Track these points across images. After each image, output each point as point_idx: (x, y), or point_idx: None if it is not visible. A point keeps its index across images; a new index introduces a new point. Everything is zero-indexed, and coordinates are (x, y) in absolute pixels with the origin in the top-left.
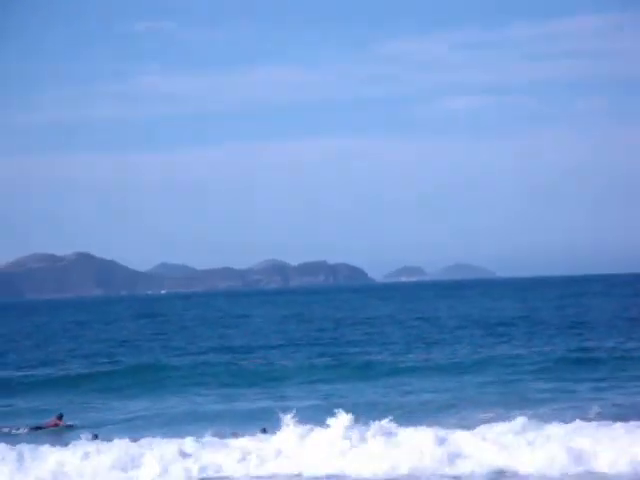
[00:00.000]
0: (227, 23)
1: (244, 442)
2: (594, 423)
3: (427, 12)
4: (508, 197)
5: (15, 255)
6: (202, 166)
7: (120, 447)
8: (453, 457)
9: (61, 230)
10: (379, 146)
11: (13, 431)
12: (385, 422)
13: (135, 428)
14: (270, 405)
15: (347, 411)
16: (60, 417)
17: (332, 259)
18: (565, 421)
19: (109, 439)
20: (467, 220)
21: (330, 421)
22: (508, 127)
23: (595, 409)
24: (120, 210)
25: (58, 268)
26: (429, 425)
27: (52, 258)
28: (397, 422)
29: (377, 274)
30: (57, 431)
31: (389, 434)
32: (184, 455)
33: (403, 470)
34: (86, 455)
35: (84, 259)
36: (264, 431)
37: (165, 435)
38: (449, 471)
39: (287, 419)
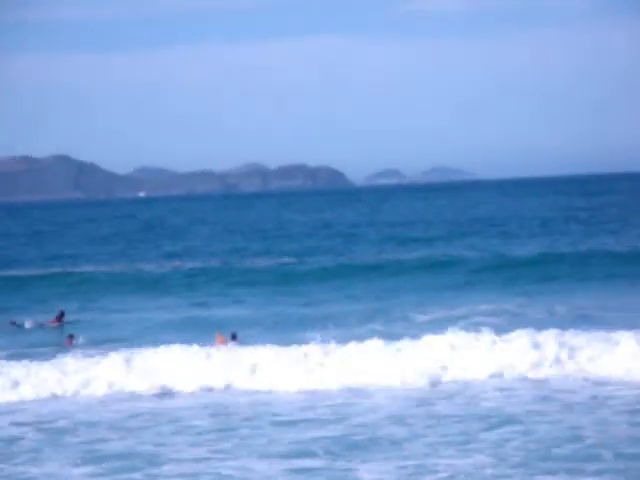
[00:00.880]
0: None
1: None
2: None
3: None
4: (488, 99)
5: None
6: (180, 67)
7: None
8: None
9: (38, 132)
10: (359, 48)
11: (18, 323)
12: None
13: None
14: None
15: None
16: (62, 315)
17: (312, 162)
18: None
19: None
20: (446, 122)
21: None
22: (482, 25)
23: None
24: (99, 112)
25: (35, 170)
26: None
27: (29, 160)
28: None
29: (357, 177)
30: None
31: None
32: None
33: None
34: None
35: (62, 161)
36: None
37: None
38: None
39: None
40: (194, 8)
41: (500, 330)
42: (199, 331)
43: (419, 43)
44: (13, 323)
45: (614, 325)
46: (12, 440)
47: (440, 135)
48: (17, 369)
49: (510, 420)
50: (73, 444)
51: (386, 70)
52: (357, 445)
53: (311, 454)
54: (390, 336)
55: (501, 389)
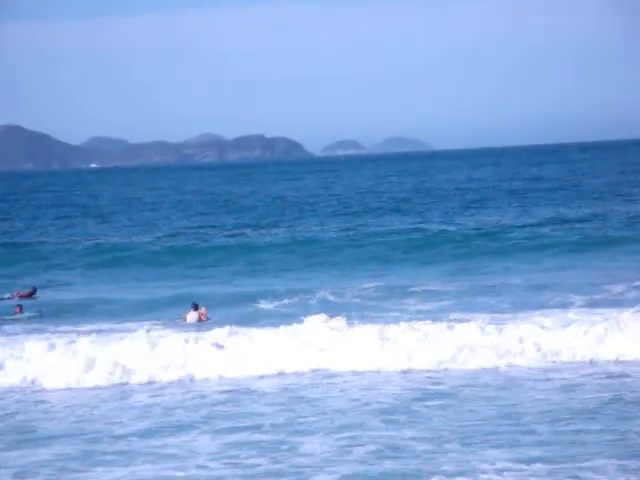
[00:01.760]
0: None
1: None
2: None
3: None
4: (448, 69)
5: None
6: (134, 35)
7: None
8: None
9: None
10: (319, 15)
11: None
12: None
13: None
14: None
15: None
16: (34, 291)
17: (269, 133)
18: None
19: None
20: (403, 92)
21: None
22: None
23: None
24: (51, 82)
25: None
26: None
27: None
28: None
29: (314, 148)
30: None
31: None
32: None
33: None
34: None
35: (14, 131)
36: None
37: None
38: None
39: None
40: None
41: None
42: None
43: (380, 9)
44: None
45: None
46: None
47: (398, 105)
48: None
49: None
50: None
51: (345, 38)
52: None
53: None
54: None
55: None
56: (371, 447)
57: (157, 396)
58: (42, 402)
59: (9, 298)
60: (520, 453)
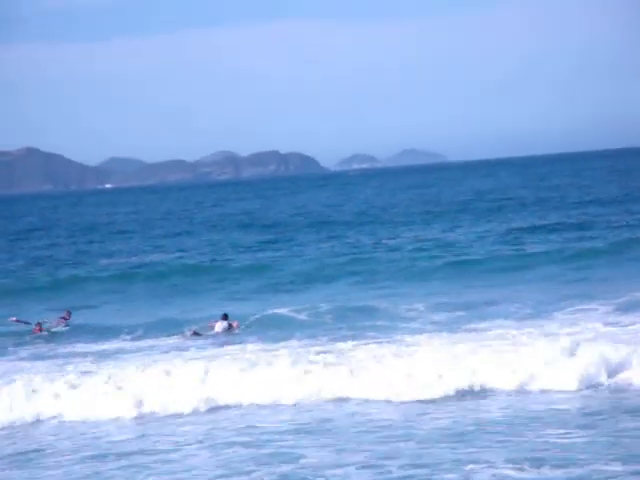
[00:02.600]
0: None
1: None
2: None
3: None
4: (458, 82)
5: None
6: (147, 56)
7: None
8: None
9: (6, 124)
10: (330, 31)
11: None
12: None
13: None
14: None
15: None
16: (68, 314)
17: (284, 148)
18: None
19: None
20: (418, 105)
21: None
22: (453, 4)
23: None
24: (68, 104)
25: (4, 163)
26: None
27: None
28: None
29: (329, 163)
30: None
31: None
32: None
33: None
34: None
35: (31, 154)
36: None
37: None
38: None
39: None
40: None
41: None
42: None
43: (392, 22)
44: (19, 321)
45: None
46: None
47: (412, 118)
48: None
49: None
50: None
51: (358, 52)
52: None
53: None
54: None
55: None
56: None
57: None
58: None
59: (45, 323)
60: None
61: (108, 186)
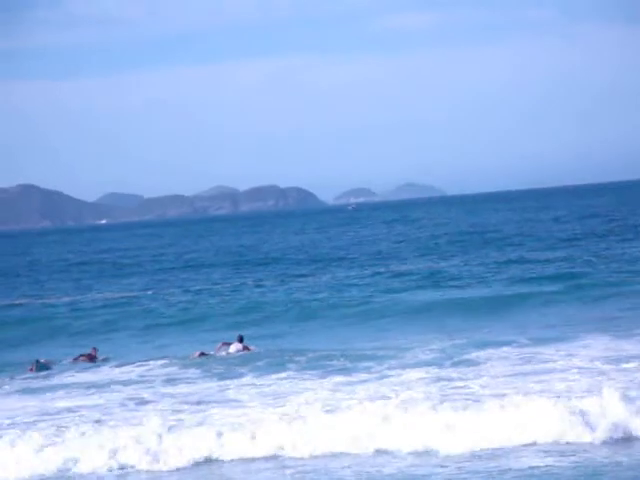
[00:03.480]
0: None
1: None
2: None
3: None
4: (456, 116)
5: None
6: (142, 92)
7: None
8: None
9: (3, 162)
10: (327, 66)
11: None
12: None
13: None
14: None
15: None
16: (94, 351)
17: (283, 183)
18: None
19: None
20: (415, 139)
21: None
22: (455, 41)
23: None
24: (64, 140)
25: (1, 200)
26: None
27: None
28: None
29: (327, 197)
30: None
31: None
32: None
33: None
34: None
35: (29, 190)
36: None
37: None
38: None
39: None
40: (160, 32)
41: None
42: None
43: (390, 60)
44: (37, 362)
45: None
46: None
47: (409, 152)
48: None
49: None
50: None
51: (353, 88)
52: None
53: None
54: None
55: None
56: None
57: None
58: None
59: (74, 360)
60: None
61: (103, 222)
